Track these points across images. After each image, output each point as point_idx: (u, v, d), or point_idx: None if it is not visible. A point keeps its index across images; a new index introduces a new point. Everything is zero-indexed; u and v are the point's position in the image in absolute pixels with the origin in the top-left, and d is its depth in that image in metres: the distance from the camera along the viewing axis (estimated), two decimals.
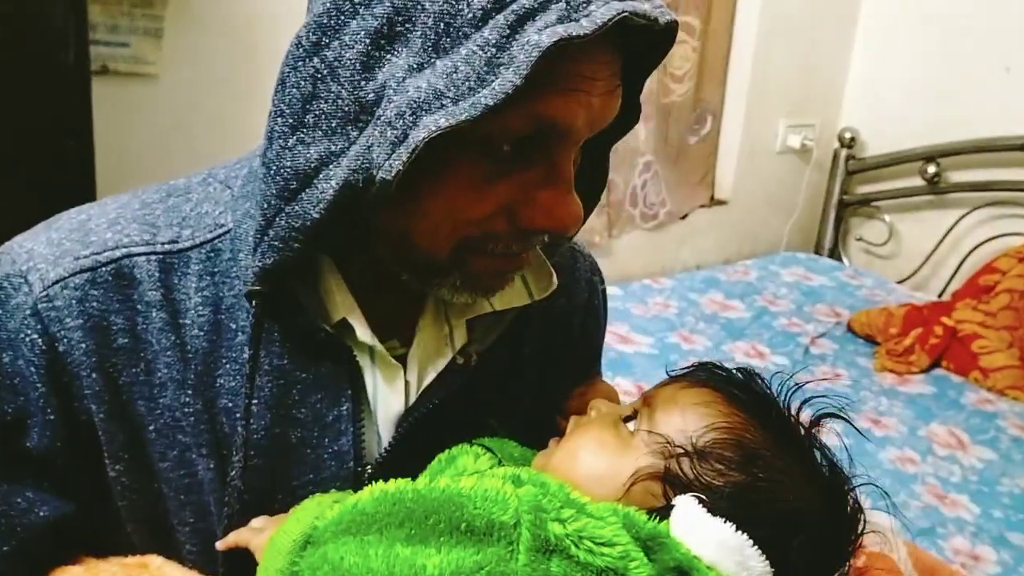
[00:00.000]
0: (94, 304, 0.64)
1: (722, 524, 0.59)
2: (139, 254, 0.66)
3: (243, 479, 0.66)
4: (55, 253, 0.65)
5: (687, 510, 0.60)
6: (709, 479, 0.61)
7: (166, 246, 0.67)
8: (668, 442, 0.63)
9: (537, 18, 0.53)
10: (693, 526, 0.59)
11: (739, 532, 0.59)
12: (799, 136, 2.93)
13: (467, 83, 0.53)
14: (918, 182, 2.81)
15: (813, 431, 0.67)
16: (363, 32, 0.55)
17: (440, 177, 0.58)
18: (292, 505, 0.67)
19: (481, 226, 0.61)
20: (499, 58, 0.52)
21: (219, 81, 1.84)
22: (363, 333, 0.67)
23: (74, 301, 0.64)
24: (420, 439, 0.70)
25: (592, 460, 0.65)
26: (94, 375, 0.64)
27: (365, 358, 0.69)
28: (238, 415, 0.66)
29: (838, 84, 3.02)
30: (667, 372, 0.73)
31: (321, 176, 0.57)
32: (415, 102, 0.53)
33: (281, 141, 0.58)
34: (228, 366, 0.66)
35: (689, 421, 0.64)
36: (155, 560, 0.68)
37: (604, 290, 0.90)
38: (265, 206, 0.60)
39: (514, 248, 0.63)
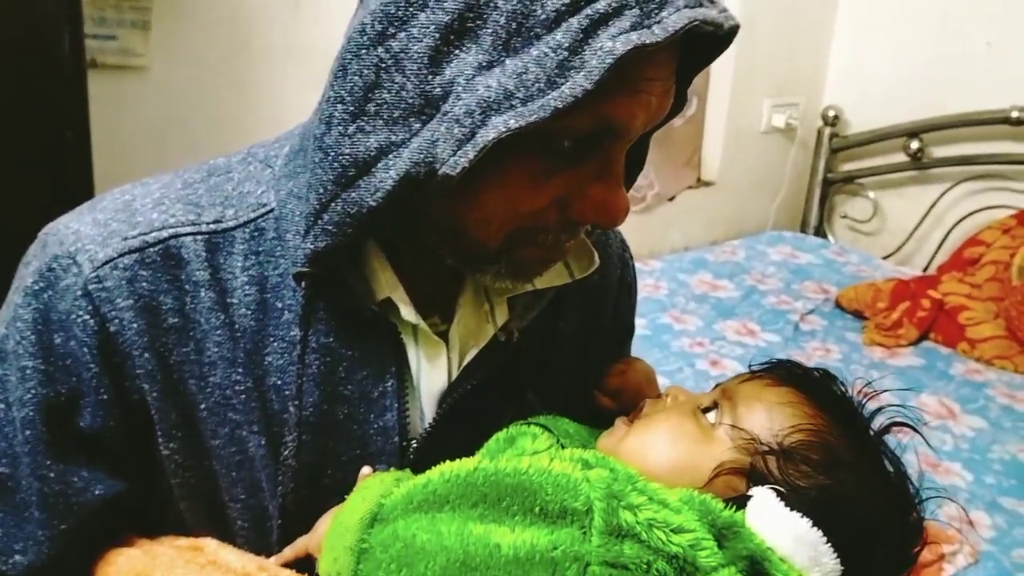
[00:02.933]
0: (144, 284, 0.64)
1: (800, 518, 0.59)
2: (186, 234, 0.66)
3: (296, 458, 0.67)
4: (103, 234, 0.65)
5: (765, 502, 0.60)
6: (794, 479, 0.62)
7: (211, 226, 0.67)
8: (754, 439, 0.64)
9: (611, 24, 0.53)
10: (770, 518, 0.59)
11: (814, 528, 0.59)
12: (783, 115, 2.94)
13: (537, 85, 0.53)
14: (901, 158, 2.82)
15: (884, 437, 0.68)
16: (433, 26, 0.54)
17: (499, 172, 0.58)
18: (341, 480, 0.68)
19: (533, 218, 0.61)
20: (570, 61, 0.53)
21: (209, 72, 1.84)
22: (407, 312, 0.67)
23: (124, 282, 0.64)
24: (463, 415, 0.71)
25: (672, 449, 0.66)
26: (146, 355, 0.64)
27: (408, 336, 0.70)
28: (287, 393, 0.66)
29: (821, 62, 3.03)
30: (749, 366, 0.73)
31: (380, 165, 0.57)
32: (485, 101, 0.54)
33: (340, 128, 0.58)
34: (275, 344, 0.67)
35: (775, 420, 0.65)
36: (210, 543, 0.68)
37: (634, 266, 0.91)
38: (320, 191, 0.60)
39: (562, 238, 0.64)
